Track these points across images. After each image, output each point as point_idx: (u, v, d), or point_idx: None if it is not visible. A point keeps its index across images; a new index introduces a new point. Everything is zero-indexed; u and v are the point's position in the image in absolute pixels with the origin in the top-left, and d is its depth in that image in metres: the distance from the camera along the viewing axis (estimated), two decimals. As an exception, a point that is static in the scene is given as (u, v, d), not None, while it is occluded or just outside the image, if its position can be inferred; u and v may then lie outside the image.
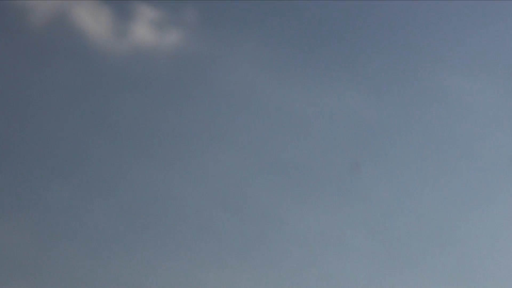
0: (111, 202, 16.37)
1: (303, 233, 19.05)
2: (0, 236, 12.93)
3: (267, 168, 18.38)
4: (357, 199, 19.19)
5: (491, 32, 19.69)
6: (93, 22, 16.31)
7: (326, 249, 17.93)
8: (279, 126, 18.96)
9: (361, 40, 20.06)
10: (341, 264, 17.22)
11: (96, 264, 15.86)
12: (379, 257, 18.12)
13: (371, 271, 17.34)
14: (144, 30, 16.33)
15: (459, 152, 19.65)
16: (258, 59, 18.53)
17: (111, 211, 16.25)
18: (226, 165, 18.22)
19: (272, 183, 18.58)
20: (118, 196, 16.53)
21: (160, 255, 16.58)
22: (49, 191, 15.59)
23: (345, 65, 20.24)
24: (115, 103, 17.05)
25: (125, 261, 15.49)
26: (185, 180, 17.30)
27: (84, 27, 16.54)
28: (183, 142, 18.50)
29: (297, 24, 19.96)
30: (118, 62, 17.23)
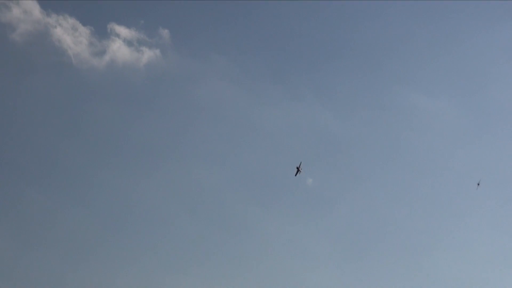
0: (85, 209, 17.05)
1: (271, 242, 19.86)
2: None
3: (237, 179, 19.10)
4: (321, 212, 20.09)
5: (452, 54, 20.68)
6: (73, 41, 16.99)
7: (293, 256, 18.74)
8: (249, 139, 19.69)
9: (330, 62, 21.05)
10: (305, 270, 18.03)
11: (70, 267, 16.54)
12: (340, 264, 19.00)
13: (333, 278, 18.15)
14: (120, 49, 17.00)
15: (421, 167, 20.50)
16: (229, 76, 19.31)
17: (85, 218, 16.94)
18: (197, 175, 18.88)
19: (241, 193, 19.32)
20: (92, 203, 17.18)
21: (130, 259, 17.24)
22: (24, 197, 16.24)
23: (314, 84, 21.14)
24: (92, 116, 17.73)
25: (97, 265, 16.13)
26: (156, 188, 17.91)
27: (64, 45, 17.25)
28: (156, 152, 19.16)
29: (267, 43, 20.83)
30: (96, 77, 17.94)
